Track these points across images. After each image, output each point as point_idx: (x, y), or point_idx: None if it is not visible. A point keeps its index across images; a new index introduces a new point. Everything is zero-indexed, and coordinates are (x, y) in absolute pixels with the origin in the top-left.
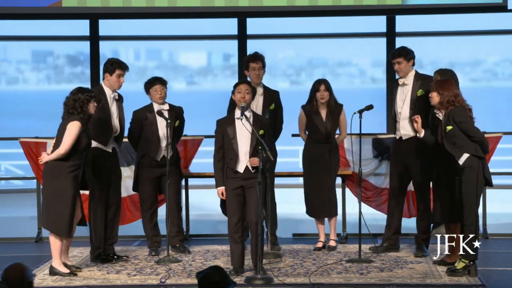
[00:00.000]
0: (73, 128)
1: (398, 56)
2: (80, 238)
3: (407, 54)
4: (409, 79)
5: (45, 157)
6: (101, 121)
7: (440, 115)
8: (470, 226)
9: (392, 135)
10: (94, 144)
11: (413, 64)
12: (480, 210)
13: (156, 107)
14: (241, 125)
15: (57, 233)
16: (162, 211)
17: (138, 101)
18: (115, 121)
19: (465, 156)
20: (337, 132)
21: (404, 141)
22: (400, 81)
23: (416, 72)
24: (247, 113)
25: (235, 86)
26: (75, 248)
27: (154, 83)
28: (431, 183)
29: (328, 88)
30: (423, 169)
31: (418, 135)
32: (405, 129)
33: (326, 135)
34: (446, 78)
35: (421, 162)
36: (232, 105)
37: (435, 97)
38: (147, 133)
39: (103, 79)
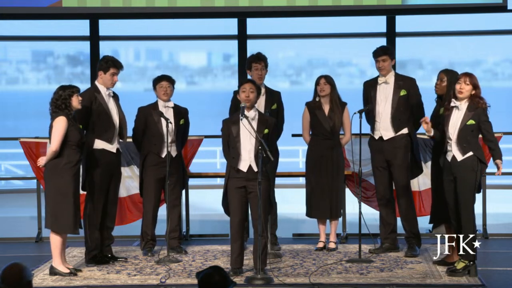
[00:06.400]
0: (59, 123)
1: (383, 54)
2: (80, 238)
3: (392, 53)
4: (390, 79)
5: (42, 160)
6: (101, 118)
7: (458, 105)
8: (468, 226)
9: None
10: (99, 144)
11: (394, 64)
12: (480, 210)
13: (161, 104)
14: (245, 124)
15: (61, 231)
16: (161, 211)
17: (138, 101)
18: (115, 117)
19: (470, 154)
20: (341, 132)
21: (385, 141)
22: (381, 80)
23: (396, 72)
24: (253, 112)
25: (240, 85)
26: (75, 248)
27: (161, 79)
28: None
29: (330, 82)
30: (404, 167)
31: (427, 135)
32: (385, 129)
33: (330, 130)
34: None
35: (402, 160)
36: (235, 105)
37: (468, 91)
38: (152, 129)
39: (97, 77)
